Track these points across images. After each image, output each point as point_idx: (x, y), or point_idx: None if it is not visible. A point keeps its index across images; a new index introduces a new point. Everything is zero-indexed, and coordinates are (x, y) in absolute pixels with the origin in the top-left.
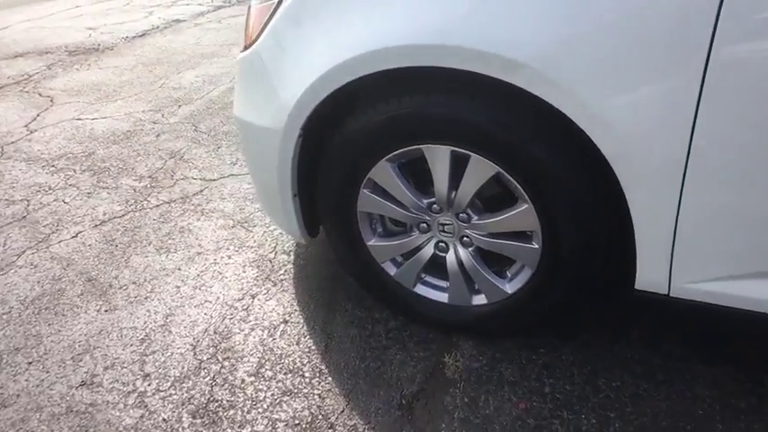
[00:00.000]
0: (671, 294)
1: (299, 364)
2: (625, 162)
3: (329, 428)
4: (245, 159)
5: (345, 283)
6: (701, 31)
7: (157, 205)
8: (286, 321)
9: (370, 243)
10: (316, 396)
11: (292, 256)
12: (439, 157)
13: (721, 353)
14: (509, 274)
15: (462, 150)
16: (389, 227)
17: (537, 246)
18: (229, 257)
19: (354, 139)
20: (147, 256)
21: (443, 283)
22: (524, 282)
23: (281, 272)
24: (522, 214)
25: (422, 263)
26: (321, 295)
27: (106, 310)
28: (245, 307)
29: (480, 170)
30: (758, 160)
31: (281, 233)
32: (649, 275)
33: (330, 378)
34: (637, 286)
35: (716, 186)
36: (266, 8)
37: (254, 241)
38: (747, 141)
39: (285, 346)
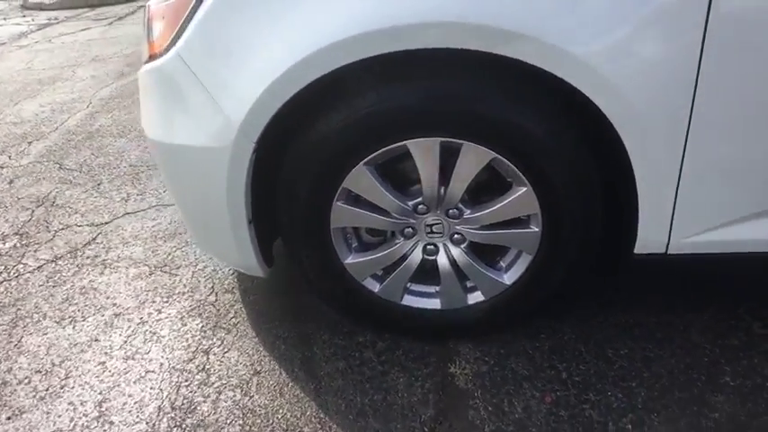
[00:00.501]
0: (669, 252)
1: (292, 420)
2: (631, 125)
3: None
4: (170, 189)
5: (312, 311)
6: None
7: (39, 267)
8: (258, 372)
9: (347, 261)
10: None
11: (237, 294)
12: (427, 152)
13: (698, 299)
14: (503, 265)
15: (454, 140)
16: (367, 239)
17: (537, 229)
18: (159, 312)
19: (324, 145)
20: (45, 333)
21: (433, 289)
22: (524, 269)
23: (231, 315)
24: (522, 198)
25: (410, 272)
26: (288, 331)
27: (9, 418)
28: (200, 367)
29: (474, 159)
30: (756, 110)
31: (214, 270)
32: (650, 237)
33: (335, 426)
34: (636, 251)
35: (716, 140)
36: (181, 7)
37: (185, 286)
38: (746, 93)
39: (267, 401)
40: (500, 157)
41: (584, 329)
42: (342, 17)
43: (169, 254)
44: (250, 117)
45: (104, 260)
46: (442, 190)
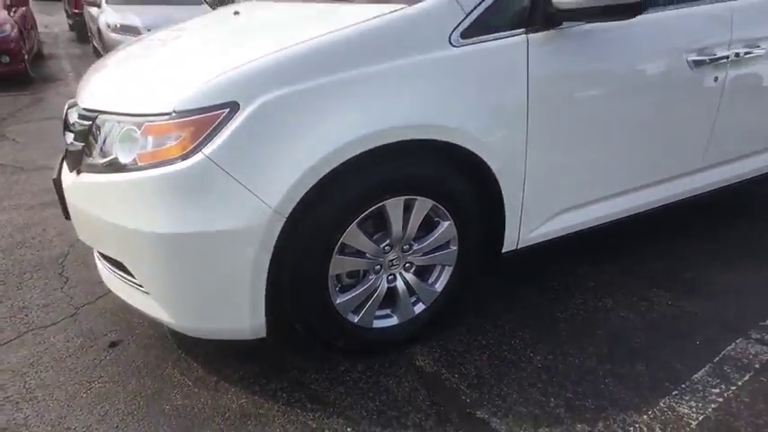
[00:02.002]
0: (519, 246)
1: None
2: (501, 170)
3: None
4: (172, 277)
5: (281, 363)
6: (520, 94)
7: None
8: (283, 413)
9: (338, 302)
10: None
11: (119, 368)
12: (396, 207)
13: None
14: (434, 279)
15: (412, 196)
16: (345, 282)
17: (455, 248)
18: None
19: (334, 212)
20: None
21: (388, 311)
22: (448, 278)
23: (135, 404)
24: (448, 229)
25: (380, 300)
26: (279, 382)
27: None
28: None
29: (423, 207)
30: (556, 152)
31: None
32: (509, 238)
33: (369, 425)
34: (503, 250)
35: (539, 174)
36: (207, 122)
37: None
38: (555, 144)
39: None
40: (437, 203)
41: (514, 309)
42: (344, 127)
43: None
44: (285, 198)
45: None
46: (403, 232)
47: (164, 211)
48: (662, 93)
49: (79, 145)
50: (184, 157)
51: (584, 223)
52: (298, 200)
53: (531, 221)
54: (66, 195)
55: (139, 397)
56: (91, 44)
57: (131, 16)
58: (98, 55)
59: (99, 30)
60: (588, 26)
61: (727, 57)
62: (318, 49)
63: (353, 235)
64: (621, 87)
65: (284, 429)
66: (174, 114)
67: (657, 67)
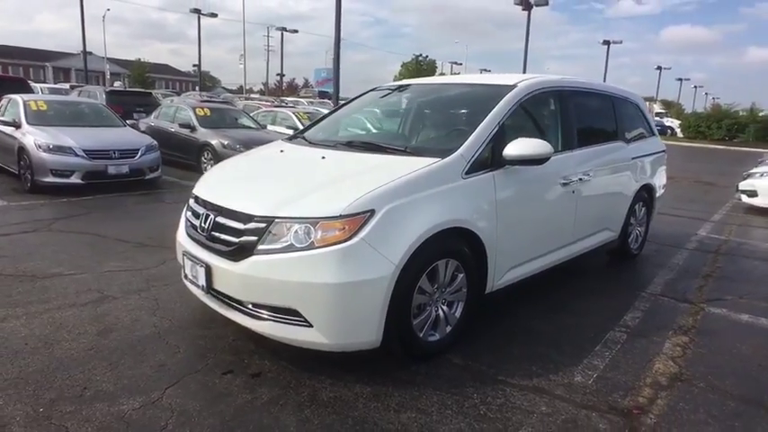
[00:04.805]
0: (493, 290)
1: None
2: (486, 241)
3: None
4: (335, 309)
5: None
6: (492, 197)
7: None
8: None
9: (414, 323)
10: None
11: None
12: (441, 265)
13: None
14: (454, 310)
15: (448, 259)
16: (414, 311)
17: (465, 290)
18: None
19: (418, 268)
20: None
21: (433, 331)
22: (461, 309)
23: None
24: (461, 280)
25: (432, 322)
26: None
27: None
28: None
29: (452, 265)
30: (516, 234)
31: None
32: (489, 284)
33: (437, 414)
34: (486, 292)
35: (504, 243)
36: (357, 221)
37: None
38: (507, 228)
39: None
40: (458, 262)
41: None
42: (423, 222)
43: None
44: (400, 259)
45: None
46: (445, 281)
47: (337, 269)
48: (552, 198)
49: (253, 239)
50: (348, 240)
51: (524, 274)
52: (405, 261)
53: (498, 274)
54: (221, 276)
55: (308, 400)
56: None
57: (62, 137)
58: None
59: (21, 149)
60: (519, 167)
61: (577, 179)
62: (408, 182)
63: (423, 281)
64: (535, 196)
65: (387, 403)
66: (340, 216)
67: (549, 185)
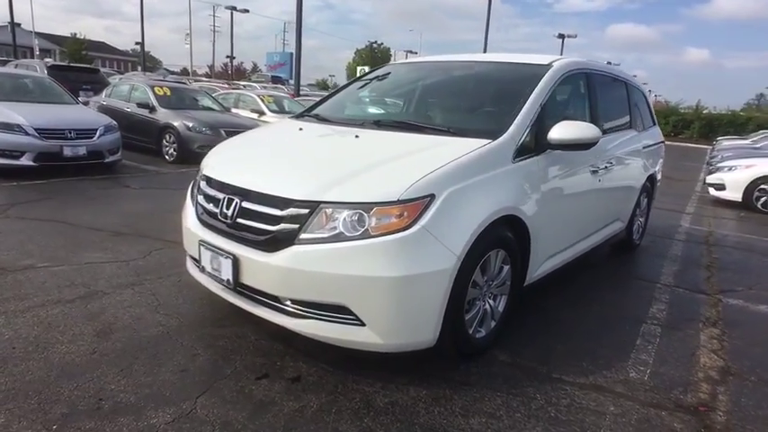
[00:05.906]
0: (531, 282)
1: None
2: (531, 229)
3: None
4: (394, 304)
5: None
6: (537, 183)
7: None
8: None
9: (467, 318)
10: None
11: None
12: (493, 256)
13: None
14: (497, 304)
15: (499, 249)
16: (466, 307)
17: (509, 282)
18: None
19: (475, 257)
20: None
21: (479, 327)
22: (505, 303)
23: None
24: (508, 271)
25: (483, 315)
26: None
27: None
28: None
29: (501, 256)
30: (555, 223)
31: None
32: (529, 276)
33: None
34: (525, 284)
35: (544, 232)
36: (417, 207)
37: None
38: (553, 218)
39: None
40: (505, 252)
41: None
42: (485, 207)
43: None
44: (462, 250)
45: None
46: (495, 271)
47: (396, 261)
48: (585, 187)
49: (293, 227)
50: (407, 228)
51: (554, 266)
52: (466, 251)
53: (535, 265)
54: (253, 268)
55: (363, 407)
56: None
57: (9, 113)
58: None
59: None
60: (558, 152)
61: (603, 167)
62: (464, 164)
63: (476, 273)
64: (573, 183)
65: (451, 408)
66: (398, 202)
67: (583, 172)
